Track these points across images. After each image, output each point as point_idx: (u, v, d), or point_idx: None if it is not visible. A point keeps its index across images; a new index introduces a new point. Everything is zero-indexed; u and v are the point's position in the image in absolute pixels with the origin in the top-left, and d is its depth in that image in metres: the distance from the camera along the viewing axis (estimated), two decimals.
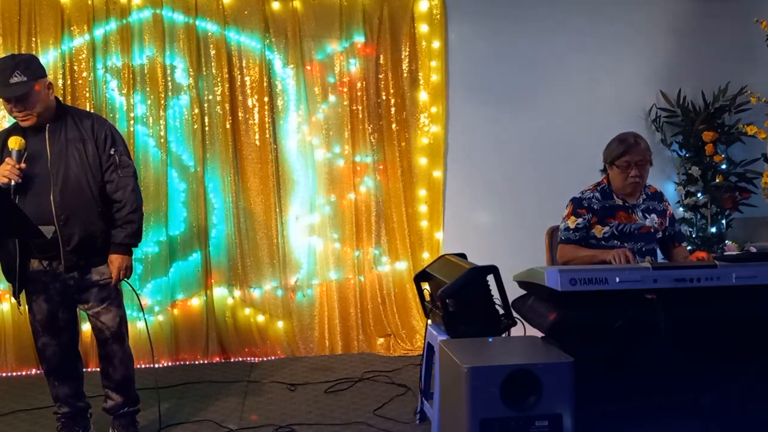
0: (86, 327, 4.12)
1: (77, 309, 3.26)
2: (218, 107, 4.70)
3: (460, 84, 4.96)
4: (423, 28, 4.87)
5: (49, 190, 3.03)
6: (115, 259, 3.16)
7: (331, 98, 4.84)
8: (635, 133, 3.31)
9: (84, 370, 3.41)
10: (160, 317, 4.64)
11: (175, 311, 4.68)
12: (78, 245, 3.07)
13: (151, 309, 4.63)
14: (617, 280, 2.53)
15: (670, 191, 5.05)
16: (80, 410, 3.32)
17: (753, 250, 4.52)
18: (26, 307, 3.21)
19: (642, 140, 3.28)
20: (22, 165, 3.00)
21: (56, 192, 3.03)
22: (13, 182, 2.96)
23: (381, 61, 4.85)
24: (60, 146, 3.08)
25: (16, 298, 3.16)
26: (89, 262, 3.15)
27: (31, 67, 3.03)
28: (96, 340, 3.32)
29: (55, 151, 3.07)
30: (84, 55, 4.55)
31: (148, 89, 4.64)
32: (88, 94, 4.54)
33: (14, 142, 3.00)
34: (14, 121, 3.13)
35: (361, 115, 4.85)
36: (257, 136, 4.75)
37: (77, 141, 3.10)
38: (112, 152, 3.15)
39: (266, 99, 4.73)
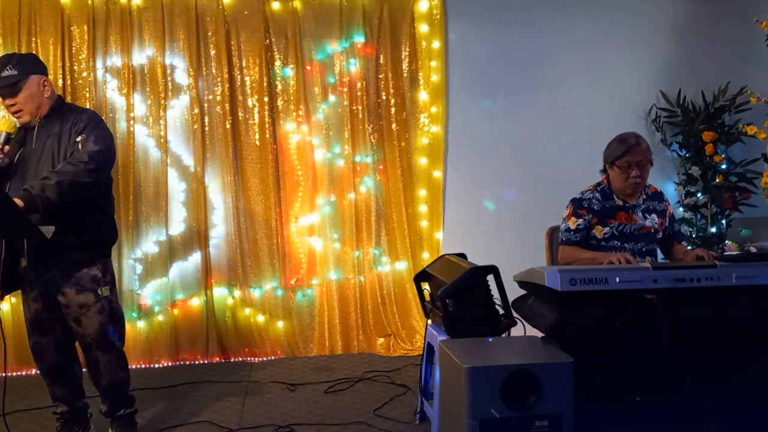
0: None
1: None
2: (218, 107, 4.71)
3: (460, 84, 4.96)
4: (423, 28, 4.88)
5: (22, 187, 2.93)
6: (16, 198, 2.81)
7: (331, 98, 4.84)
8: (636, 134, 3.30)
9: (83, 370, 3.39)
10: (160, 317, 4.64)
11: (175, 311, 4.68)
12: (47, 245, 2.87)
13: (151, 309, 4.63)
14: (617, 280, 2.52)
15: (670, 191, 5.05)
16: (79, 409, 3.31)
17: (753, 250, 4.52)
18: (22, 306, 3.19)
19: (643, 140, 3.27)
20: (6, 148, 2.98)
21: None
22: None
23: (381, 61, 4.85)
24: (41, 143, 3.06)
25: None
26: (64, 262, 3.05)
27: (25, 63, 3.06)
28: (81, 343, 3.20)
29: (36, 148, 3.05)
30: (84, 55, 4.55)
31: (148, 89, 4.64)
32: (88, 94, 4.54)
33: (5, 124, 3.00)
34: None
35: (361, 115, 4.85)
36: (257, 136, 4.75)
37: (55, 137, 3.05)
38: (78, 139, 3.00)
39: (266, 99, 4.73)
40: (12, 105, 3.04)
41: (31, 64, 3.09)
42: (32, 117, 3.07)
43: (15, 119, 3.12)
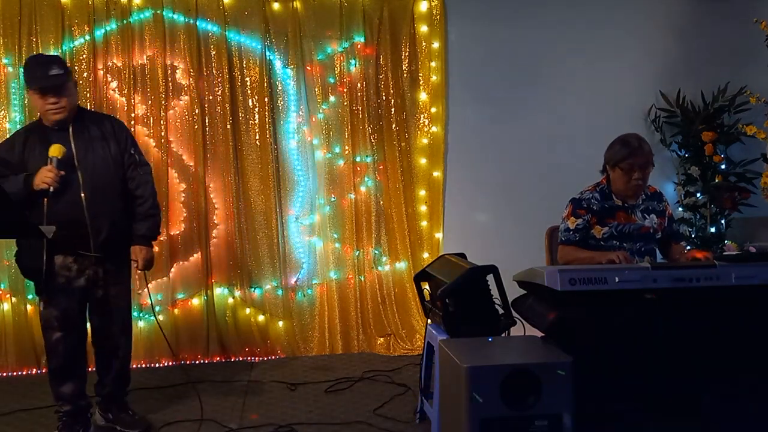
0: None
1: (86, 308, 3.35)
2: (218, 107, 4.71)
3: (459, 84, 4.96)
4: (423, 28, 4.88)
5: (79, 188, 3.15)
6: (140, 251, 3.34)
7: (332, 98, 4.84)
8: (638, 136, 3.29)
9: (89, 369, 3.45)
10: (161, 317, 4.64)
11: (176, 311, 4.69)
12: (105, 240, 3.21)
13: (151, 309, 4.63)
14: (617, 280, 2.53)
15: (670, 191, 5.05)
16: (82, 409, 3.35)
17: (753, 250, 4.53)
18: (42, 303, 3.27)
19: (645, 143, 3.25)
20: (62, 173, 3.11)
21: (87, 190, 3.16)
22: (51, 189, 3.07)
23: (381, 62, 4.85)
24: (85, 145, 3.21)
25: (39, 295, 3.26)
26: (111, 256, 3.28)
27: (64, 63, 3.26)
28: (105, 332, 3.39)
29: (81, 150, 3.20)
30: (85, 56, 4.55)
31: (148, 89, 4.64)
32: (88, 95, 4.54)
33: (55, 150, 3.13)
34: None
35: (361, 116, 4.85)
36: (257, 137, 4.76)
37: (100, 140, 3.25)
38: (132, 152, 3.34)
39: (266, 99, 4.73)
40: (55, 103, 3.14)
41: (66, 66, 3.28)
42: (66, 116, 3.19)
43: (39, 126, 3.26)
